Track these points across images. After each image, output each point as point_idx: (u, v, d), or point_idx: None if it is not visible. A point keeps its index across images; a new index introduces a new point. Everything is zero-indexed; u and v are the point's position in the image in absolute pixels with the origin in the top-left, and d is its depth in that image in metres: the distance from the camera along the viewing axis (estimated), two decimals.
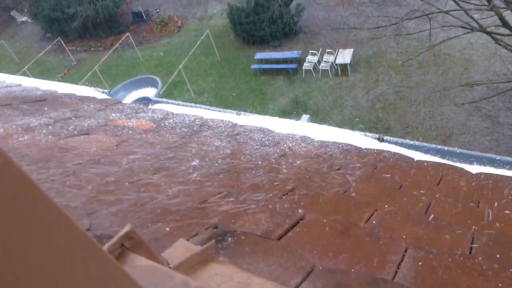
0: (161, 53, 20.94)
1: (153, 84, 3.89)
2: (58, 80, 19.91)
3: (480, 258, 1.03)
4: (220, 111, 3.20)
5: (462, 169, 2.04)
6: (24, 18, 28.22)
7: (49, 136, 2.06)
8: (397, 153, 2.18)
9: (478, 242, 1.14)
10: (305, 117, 11.35)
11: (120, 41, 21.66)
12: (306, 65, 15.84)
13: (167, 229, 1.07)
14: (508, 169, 2.28)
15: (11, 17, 29.01)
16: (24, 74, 18.62)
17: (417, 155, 2.30)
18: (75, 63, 22.45)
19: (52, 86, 4.27)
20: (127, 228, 0.67)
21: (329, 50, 15.84)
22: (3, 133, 2.05)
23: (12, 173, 0.30)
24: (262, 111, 14.65)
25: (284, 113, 14.37)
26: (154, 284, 0.61)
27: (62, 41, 22.54)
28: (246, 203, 1.27)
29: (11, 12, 28.74)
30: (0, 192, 0.29)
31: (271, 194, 1.38)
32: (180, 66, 16.81)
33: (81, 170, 1.56)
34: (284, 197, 1.38)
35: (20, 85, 4.12)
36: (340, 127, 3.02)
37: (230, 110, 3.19)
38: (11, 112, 2.67)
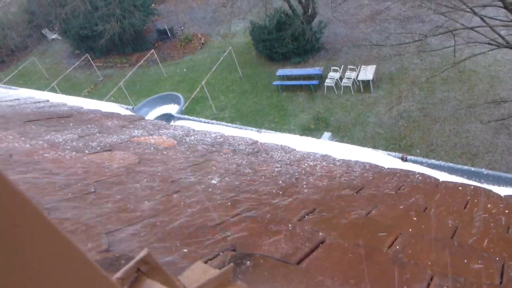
0: (184, 70, 21.32)
1: (175, 100, 3.96)
2: (85, 95, 20.48)
3: None
4: (241, 128, 3.20)
5: (490, 191, 1.96)
6: (54, 36, 29.33)
7: (73, 152, 2.10)
8: (421, 173, 2.12)
9: (510, 271, 1.09)
10: (326, 134, 11.28)
11: (145, 57, 22.19)
12: (328, 82, 15.81)
13: (185, 250, 1.06)
14: None
15: (43, 34, 30.19)
16: (53, 89, 19.22)
17: (442, 176, 2.24)
18: (101, 79, 23.09)
19: (79, 102, 4.38)
20: (143, 252, 0.66)
21: (351, 67, 15.79)
22: (30, 149, 2.10)
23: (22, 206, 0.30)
24: (283, 126, 14.65)
25: (305, 129, 14.32)
26: None
27: (89, 57, 23.26)
28: (265, 224, 1.25)
29: (43, 30, 29.92)
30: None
31: (291, 215, 1.36)
32: (203, 82, 17.04)
33: (102, 187, 1.58)
34: (304, 219, 1.35)
35: (48, 100, 4.23)
36: (362, 144, 2.98)
37: (251, 127, 3.19)
38: (38, 128, 2.74)
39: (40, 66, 25.71)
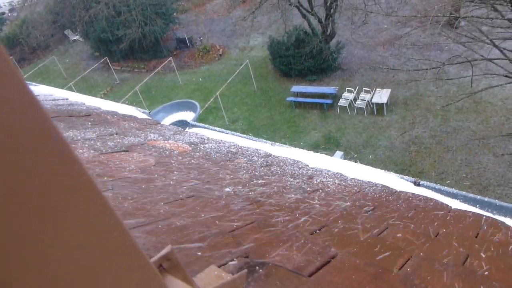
0: (200, 79, 21.53)
1: (191, 108, 4.01)
2: (101, 97, 20.74)
3: None
4: (255, 140, 3.23)
5: (503, 222, 1.95)
6: (76, 37, 29.92)
7: (91, 151, 2.14)
8: (434, 199, 2.11)
9: None
10: (338, 153, 11.25)
11: (163, 64, 22.49)
12: (342, 102, 15.84)
13: (199, 253, 1.07)
14: None
15: (65, 35, 30.82)
16: (70, 89, 19.54)
17: (454, 203, 2.23)
18: (118, 82, 23.42)
19: (97, 103, 4.46)
20: (167, 249, 0.68)
21: (366, 89, 15.81)
22: None
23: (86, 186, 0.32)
24: (293, 142, 14.65)
25: (316, 147, 14.30)
26: None
27: (108, 60, 23.64)
28: (278, 235, 1.26)
29: (65, 31, 30.56)
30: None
31: (303, 229, 1.37)
32: (217, 93, 17.18)
33: (119, 186, 1.61)
34: (316, 233, 1.36)
35: (67, 99, 4.32)
36: (372, 166, 2.99)
37: (264, 140, 3.22)
38: (57, 124, 2.80)
39: (59, 65, 26.19)
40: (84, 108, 3.92)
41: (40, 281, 0.30)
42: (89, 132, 2.65)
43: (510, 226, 1.99)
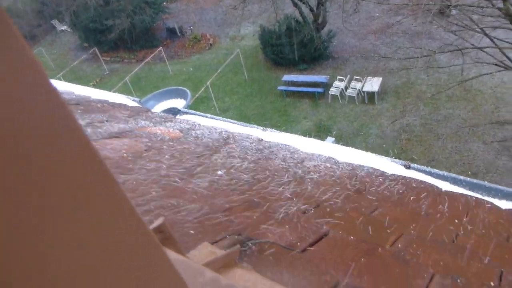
0: (191, 69, 21.38)
1: (182, 95, 3.96)
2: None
3: None
4: (246, 126, 3.22)
5: (492, 203, 1.98)
6: (63, 27, 29.43)
7: None
8: (424, 181, 2.13)
9: (508, 276, 1.10)
10: (330, 139, 11.29)
11: (153, 54, 22.26)
12: (333, 90, 15.85)
13: (192, 232, 1.08)
14: None
15: (52, 25, 30.30)
16: (58, 80, 19.27)
17: (445, 185, 2.25)
18: (107, 72, 23.15)
19: (86, 92, 4.41)
20: (159, 221, 0.68)
21: (357, 77, 15.83)
22: None
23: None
24: (285, 131, 14.65)
25: (307, 136, 14.32)
26: (184, 279, 0.61)
27: (97, 51, 23.33)
28: (270, 215, 1.27)
29: (52, 21, 30.03)
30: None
31: (295, 209, 1.37)
32: (208, 82, 17.09)
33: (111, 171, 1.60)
34: (308, 213, 1.36)
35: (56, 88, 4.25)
36: None
37: (256, 126, 3.21)
38: None
39: (47, 56, 25.80)
40: (74, 97, 3.87)
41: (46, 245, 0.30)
42: (79, 119, 2.63)
43: (499, 207, 2.02)
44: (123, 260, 0.38)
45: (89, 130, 2.40)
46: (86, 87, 5.08)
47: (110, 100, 4.02)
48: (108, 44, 24.18)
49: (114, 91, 17.72)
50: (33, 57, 0.28)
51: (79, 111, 3.11)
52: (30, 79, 0.28)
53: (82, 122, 2.63)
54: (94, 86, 21.97)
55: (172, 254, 0.67)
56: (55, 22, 30.04)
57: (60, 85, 4.83)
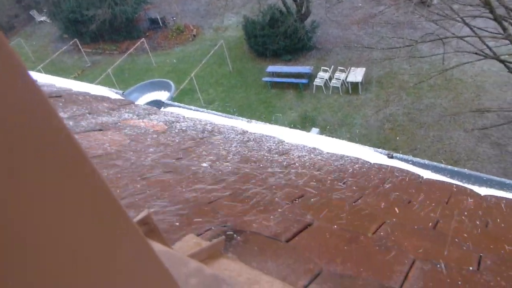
0: (174, 60, 21.16)
1: (166, 87, 3.92)
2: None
3: (487, 275, 1.03)
4: (230, 117, 3.22)
5: (472, 190, 2.03)
6: (42, 18, 28.72)
7: None
8: (406, 170, 2.17)
9: (487, 260, 1.14)
10: (314, 130, 11.36)
11: (135, 45, 21.93)
12: (317, 81, 15.91)
13: (177, 224, 1.08)
14: None
15: (30, 16, 29.54)
16: (39, 72, 18.86)
17: (426, 174, 2.30)
18: (89, 64, 22.75)
19: (67, 84, 4.33)
20: (144, 213, 0.68)
21: (341, 68, 15.91)
22: None
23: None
24: (270, 123, 14.68)
25: (292, 127, 14.38)
26: (169, 269, 0.62)
27: (78, 42, 22.87)
28: (255, 206, 1.28)
29: (31, 11, 29.28)
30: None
31: (279, 199, 1.39)
32: (192, 74, 16.95)
33: (94, 165, 1.59)
34: (293, 203, 1.38)
35: (36, 80, 4.17)
36: None
37: (240, 117, 3.21)
38: None
39: (26, 48, 25.18)
40: (55, 89, 3.80)
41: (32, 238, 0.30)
42: (60, 113, 2.59)
43: (479, 194, 2.08)
44: (106, 252, 0.39)
45: (71, 123, 2.37)
46: (67, 80, 4.99)
47: (93, 93, 3.97)
48: (89, 35, 23.70)
49: (97, 84, 17.47)
50: (10, 48, 0.28)
51: (60, 104, 3.06)
52: (7, 71, 0.27)
53: (64, 115, 2.59)
54: (75, 78, 21.55)
55: (157, 246, 0.67)
56: (33, 12, 29.29)
57: (41, 78, 4.74)
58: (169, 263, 0.67)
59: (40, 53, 25.24)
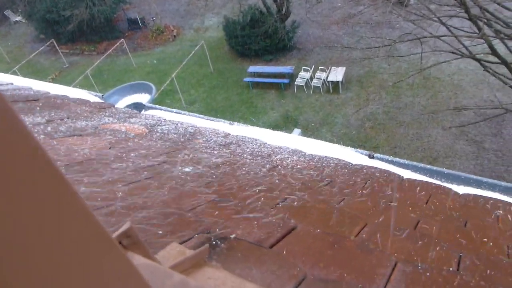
0: (155, 61, 20.96)
1: (147, 90, 3.89)
2: (49, 82, 19.72)
3: (467, 275, 1.05)
4: (212, 120, 3.21)
5: (450, 189, 2.07)
6: (18, 18, 28.04)
7: (41, 135, 2.04)
8: (387, 171, 2.21)
9: (466, 260, 1.16)
10: (296, 130, 11.42)
11: (114, 46, 21.63)
12: (298, 81, 16.00)
13: (160, 232, 1.07)
14: (494, 191, 2.33)
15: (5, 16, 28.79)
16: (14, 74, 18.41)
17: (407, 174, 2.34)
18: (67, 65, 22.32)
19: (45, 87, 4.24)
20: (126, 225, 0.68)
21: (322, 68, 16.04)
22: None
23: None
24: (253, 124, 14.69)
25: (274, 127, 14.43)
26: (152, 283, 0.61)
27: (55, 43, 22.41)
28: (238, 211, 1.28)
29: (5, 11, 28.54)
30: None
31: (263, 204, 1.39)
32: (173, 75, 16.82)
33: (73, 171, 1.55)
34: (275, 207, 1.38)
35: (11, 83, 4.08)
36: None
37: (223, 120, 3.21)
38: None
39: (1, 49, 24.56)
40: (32, 92, 3.72)
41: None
42: (38, 117, 2.53)
43: (457, 192, 2.12)
44: (84, 271, 0.38)
45: (49, 128, 2.32)
46: (45, 82, 4.89)
47: (71, 96, 3.89)
48: (66, 36, 23.26)
49: (75, 86, 17.16)
50: None
51: (38, 108, 2.99)
52: None
53: (41, 120, 2.53)
54: (53, 80, 21.14)
55: (140, 259, 0.66)
56: (8, 12, 28.56)
57: (17, 80, 4.63)
58: (152, 277, 0.66)
59: (15, 54, 24.64)
